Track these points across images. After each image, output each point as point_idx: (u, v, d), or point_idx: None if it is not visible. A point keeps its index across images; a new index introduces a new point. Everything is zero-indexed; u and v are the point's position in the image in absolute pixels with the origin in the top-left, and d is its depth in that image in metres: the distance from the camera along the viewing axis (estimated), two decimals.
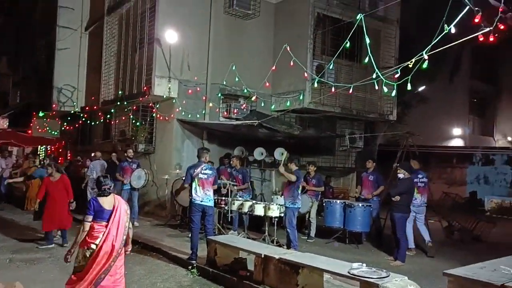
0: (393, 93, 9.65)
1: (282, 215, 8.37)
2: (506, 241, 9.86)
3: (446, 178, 18.62)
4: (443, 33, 3.77)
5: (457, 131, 24.40)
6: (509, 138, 25.66)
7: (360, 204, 9.07)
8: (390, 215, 7.90)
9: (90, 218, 4.58)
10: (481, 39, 3.41)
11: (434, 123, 22.28)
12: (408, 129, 13.67)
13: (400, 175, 7.80)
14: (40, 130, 18.14)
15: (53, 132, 18.24)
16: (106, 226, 4.60)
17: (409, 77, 4.41)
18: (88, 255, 4.55)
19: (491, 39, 3.27)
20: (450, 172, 18.89)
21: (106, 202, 4.68)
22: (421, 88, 15.20)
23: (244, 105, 11.27)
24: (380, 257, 8.20)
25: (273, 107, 12.42)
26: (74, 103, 16.20)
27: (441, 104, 22.36)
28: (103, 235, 4.57)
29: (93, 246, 4.55)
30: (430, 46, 3.84)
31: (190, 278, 6.63)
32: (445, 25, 3.68)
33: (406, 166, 8.07)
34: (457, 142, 23.79)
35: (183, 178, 7.78)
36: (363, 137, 14.42)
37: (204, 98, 11.59)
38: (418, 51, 4.14)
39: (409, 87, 4.58)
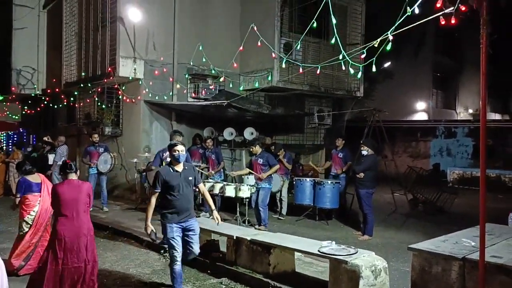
0: (359, 75, 9.83)
1: (253, 195, 8.42)
2: (467, 211, 10.32)
3: (411, 151, 19.17)
4: (405, 15, 3.84)
5: (421, 105, 25.06)
6: (470, 111, 26.61)
7: (329, 182, 9.22)
8: (356, 191, 8.06)
9: (18, 194, 5.83)
10: (442, 22, 3.46)
11: (400, 97, 22.79)
12: (375, 104, 13.90)
13: (364, 152, 7.89)
14: None
15: (13, 117, 17.54)
16: (40, 196, 5.87)
17: (374, 59, 4.50)
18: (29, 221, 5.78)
19: (453, 21, 3.32)
20: (415, 146, 19.44)
21: (33, 178, 5.94)
22: (386, 65, 15.42)
23: (212, 86, 11.11)
24: (349, 233, 8.44)
25: (241, 87, 12.32)
26: (35, 86, 15.59)
27: (406, 79, 22.85)
28: (38, 203, 5.82)
29: (33, 213, 5.79)
30: (393, 27, 3.90)
31: (163, 262, 6.62)
32: (408, 7, 3.73)
33: (370, 143, 8.15)
34: (422, 116, 24.47)
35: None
36: (331, 114, 14.60)
37: (171, 79, 11.35)
38: (384, 28, 4.20)
39: (374, 69, 4.68)
